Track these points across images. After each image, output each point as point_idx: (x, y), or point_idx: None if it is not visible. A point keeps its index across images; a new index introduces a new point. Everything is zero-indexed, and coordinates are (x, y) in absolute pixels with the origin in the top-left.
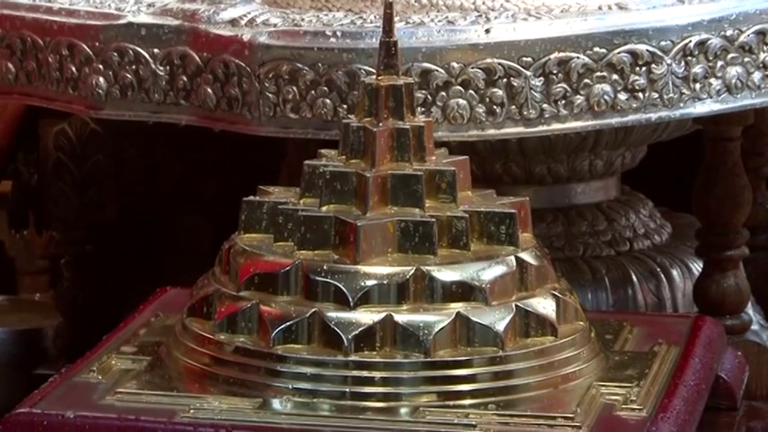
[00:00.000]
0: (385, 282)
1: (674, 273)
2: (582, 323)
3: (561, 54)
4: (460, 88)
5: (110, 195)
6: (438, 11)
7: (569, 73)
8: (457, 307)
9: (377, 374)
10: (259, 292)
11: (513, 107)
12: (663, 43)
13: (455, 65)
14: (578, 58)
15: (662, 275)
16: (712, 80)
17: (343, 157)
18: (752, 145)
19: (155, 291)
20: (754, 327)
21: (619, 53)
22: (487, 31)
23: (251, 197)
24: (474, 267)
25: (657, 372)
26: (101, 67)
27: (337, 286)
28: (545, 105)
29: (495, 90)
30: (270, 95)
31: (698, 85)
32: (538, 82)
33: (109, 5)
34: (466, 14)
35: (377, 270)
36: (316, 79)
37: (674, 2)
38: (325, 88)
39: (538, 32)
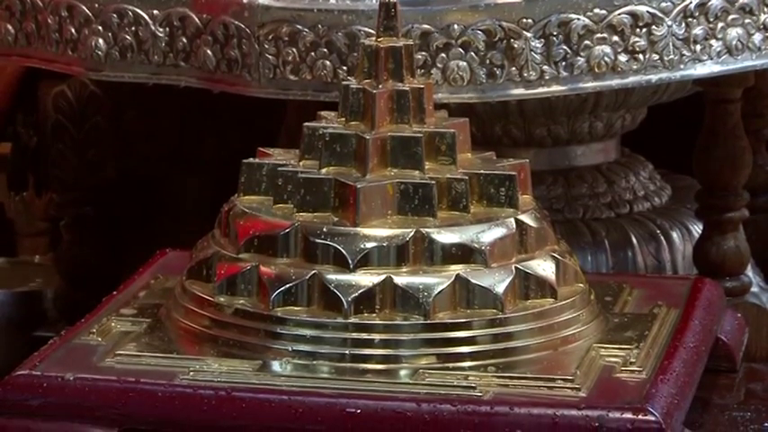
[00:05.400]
0: (384, 244)
1: (674, 235)
2: (582, 285)
3: (561, 15)
4: (460, 50)
5: (109, 157)
6: None
7: (570, 34)
8: (456, 269)
9: (376, 337)
10: (258, 255)
11: (514, 69)
12: (663, 4)
13: (455, 26)
14: (579, 19)
15: (662, 237)
16: (713, 41)
17: (343, 119)
18: (752, 107)
19: (154, 253)
20: (754, 289)
21: (619, 14)
22: None
23: (251, 159)
24: (474, 229)
25: (657, 334)
26: (100, 28)
27: (337, 248)
28: (545, 67)
29: (496, 52)
30: (269, 57)
31: (698, 47)
32: (538, 43)
33: None
34: None
35: (376, 232)
36: (315, 41)
37: None
38: (325, 50)
39: None
